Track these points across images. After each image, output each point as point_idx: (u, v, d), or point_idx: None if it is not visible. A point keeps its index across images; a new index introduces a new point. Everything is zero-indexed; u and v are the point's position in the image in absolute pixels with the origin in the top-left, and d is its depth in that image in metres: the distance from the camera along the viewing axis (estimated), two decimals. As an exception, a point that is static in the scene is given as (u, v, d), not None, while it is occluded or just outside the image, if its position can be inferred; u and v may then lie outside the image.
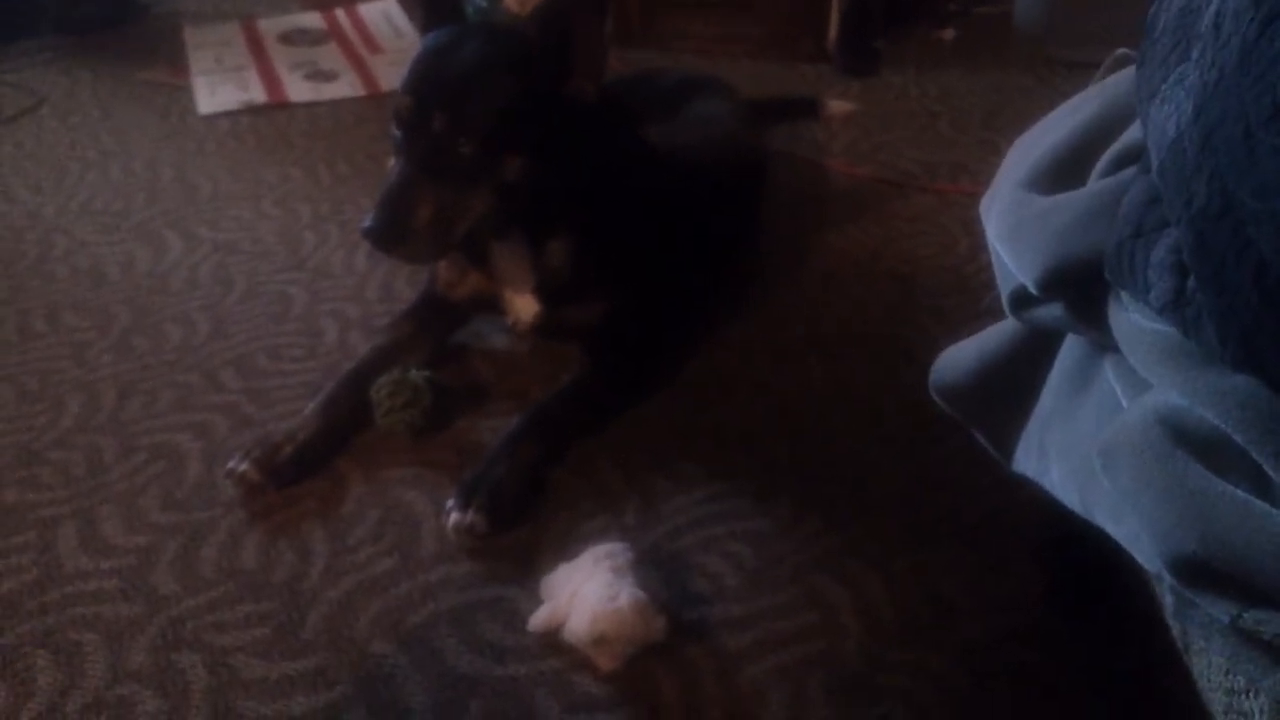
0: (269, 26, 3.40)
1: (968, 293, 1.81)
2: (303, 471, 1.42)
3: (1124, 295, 0.75)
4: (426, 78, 1.43)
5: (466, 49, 1.43)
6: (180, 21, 3.47)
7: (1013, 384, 0.98)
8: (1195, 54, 0.65)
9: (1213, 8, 0.63)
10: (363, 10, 3.48)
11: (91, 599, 1.24)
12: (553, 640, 1.16)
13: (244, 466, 1.38)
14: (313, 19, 3.46)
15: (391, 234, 1.39)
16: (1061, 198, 0.84)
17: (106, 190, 2.31)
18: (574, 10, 1.42)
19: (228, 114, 2.75)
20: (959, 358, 1.04)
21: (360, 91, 2.89)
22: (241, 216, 2.17)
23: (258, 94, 2.86)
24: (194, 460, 1.46)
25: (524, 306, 1.61)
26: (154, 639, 1.19)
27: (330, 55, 3.16)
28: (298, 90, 2.89)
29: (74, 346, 1.74)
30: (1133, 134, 0.84)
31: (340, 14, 3.47)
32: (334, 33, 3.35)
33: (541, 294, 1.59)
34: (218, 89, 2.90)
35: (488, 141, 1.40)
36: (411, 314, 1.67)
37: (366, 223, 1.39)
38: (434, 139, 1.40)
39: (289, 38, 3.31)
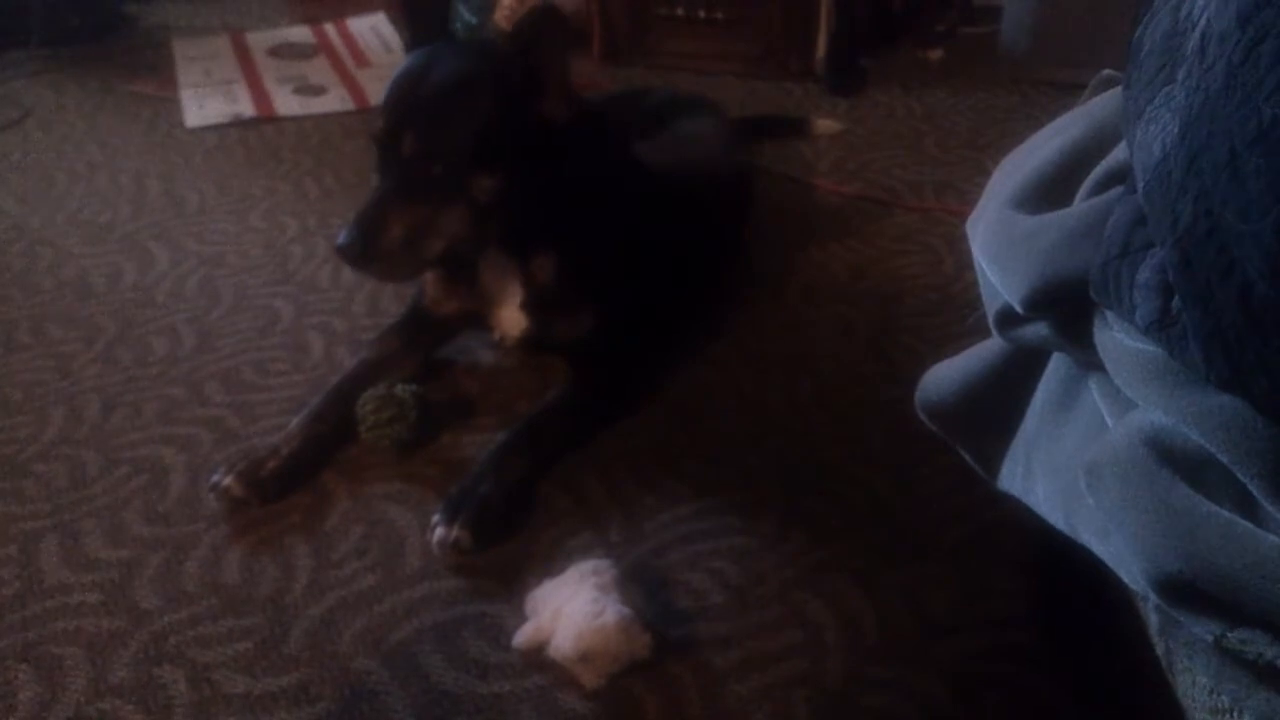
0: (258, 40, 3.41)
1: (953, 311, 1.82)
2: (287, 486, 1.41)
3: (1109, 315, 0.76)
4: (399, 99, 1.45)
5: (438, 70, 1.45)
6: (168, 34, 3.48)
7: (998, 402, 0.98)
8: (1181, 75, 0.65)
9: (1198, 30, 0.64)
10: (352, 24, 3.49)
11: (73, 613, 1.24)
12: (537, 657, 1.15)
13: (228, 480, 1.38)
14: (302, 33, 3.47)
15: (363, 252, 1.40)
16: (1047, 217, 0.85)
17: (93, 202, 2.30)
18: (540, 34, 1.43)
19: (215, 127, 2.75)
20: (944, 376, 1.04)
21: (349, 105, 2.90)
22: (228, 230, 2.17)
23: (246, 107, 2.86)
24: (178, 474, 1.46)
25: (511, 322, 1.61)
26: (136, 653, 1.18)
27: (319, 69, 3.16)
28: (286, 104, 2.90)
29: (58, 358, 1.73)
30: (1118, 154, 0.84)
31: (329, 28, 3.48)
32: (323, 47, 3.35)
33: (528, 310, 1.59)
34: (205, 102, 2.90)
35: (458, 162, 1.41)
36: (398, 329, 1.67)
37: (340, 240, 1.40)
38: (405, 160, 1.41)
39: (278, 51, 3.31)
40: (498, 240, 1.53)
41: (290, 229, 2.16)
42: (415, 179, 1.42)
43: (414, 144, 1.41)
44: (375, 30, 3.43)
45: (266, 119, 2.80)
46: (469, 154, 1.41)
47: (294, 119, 2.81)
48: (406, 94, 1.45)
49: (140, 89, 3.02)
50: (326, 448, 1.48)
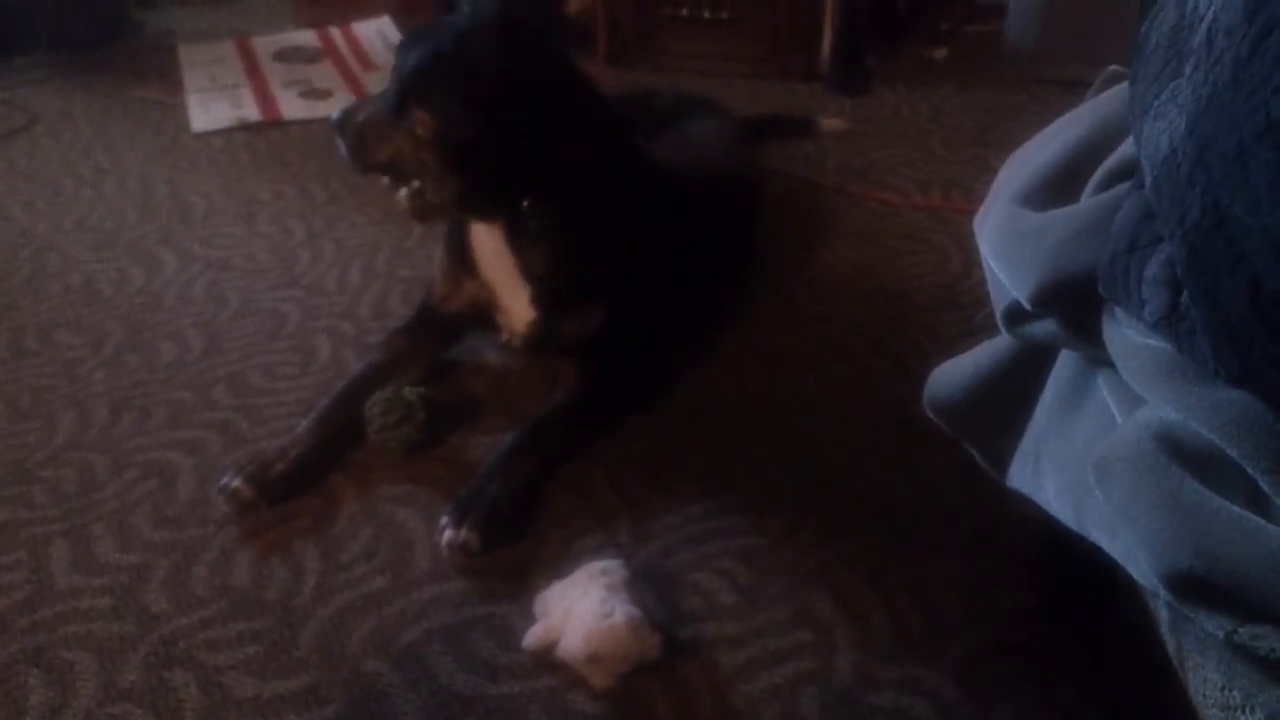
0: (263, 44, 3.41)
1: (960, 309, 1.81)
2: (295, 489, 1.41)
3: (1118, 310, 0.76)
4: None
5: (447, 20, 1.53)
6: (174, 39, 3.48)
7: (1007, 399, 0.98)
8: (1188, 70, 0.65)
9: (1205, 24, 0.64)
10: (356, 28, 3.49)
11: (83, 617, 1.24)
12: (547, 658, 1.15)
13: (237, 483, 1.38)
14: (307, 37, 3.47)
15: (342, 120, 1.54)
16: (1055, 213, 0.85)
17: (100, 208, 2.31)
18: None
19: (221, 131, 2.75)
20: (953, 373, 1.04)
21: (354, 109, 2.89)
22: (235, 234, 2.17)
23: (251, 112, 2.86)
24: (186, 477, 1.46)
25: (519, 314, 1.61)
26: (146, 657, 1.18)
27: (324, 73, 3.17)
28: (292, 108, 2.90)
29: (66, 364, 1.73)
30: (1126, 150, 0.84)
31: (334, 32, 3.48)
32: (328, 51, 3.35)
33: (536, 303, 1.59)
34: (211, 107, 2.90)
35: (402, 90, 1.48)
36: (405, 330, 1.67)
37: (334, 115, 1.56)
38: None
39: (283, 55, 3.32)
40: (507, 236, 1.54)
41: (297, 233, 2.16)
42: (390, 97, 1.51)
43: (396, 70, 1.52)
44: (380, 34, 3.43)
45: (272, 123, 2.80)
46: (410, 85, 1.48)
47: (299, 123, 2.81)
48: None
49: (146, 94, 3.03)
50: (335, 450, 1.48)
